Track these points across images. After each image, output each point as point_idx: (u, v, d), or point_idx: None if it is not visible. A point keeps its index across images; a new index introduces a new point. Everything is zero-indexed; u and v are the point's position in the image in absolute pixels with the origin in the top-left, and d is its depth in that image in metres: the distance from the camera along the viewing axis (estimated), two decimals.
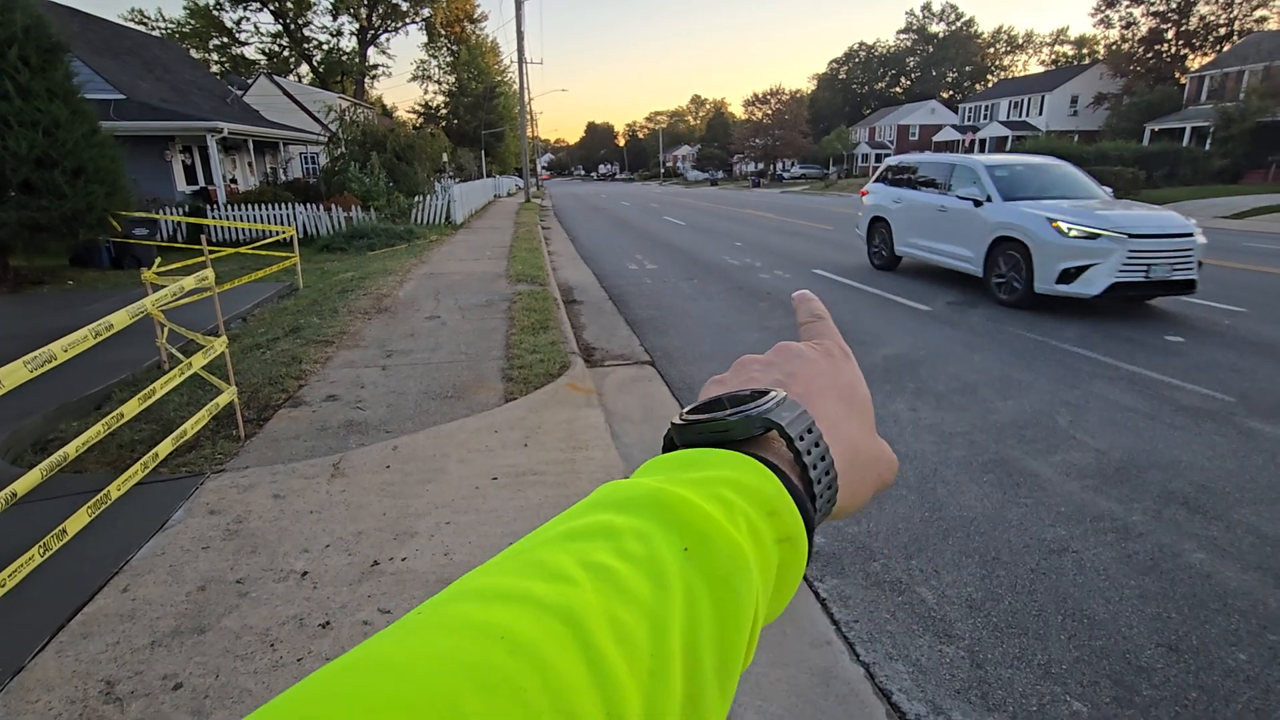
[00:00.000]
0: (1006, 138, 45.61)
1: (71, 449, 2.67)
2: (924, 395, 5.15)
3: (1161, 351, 6.16)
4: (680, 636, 0.24)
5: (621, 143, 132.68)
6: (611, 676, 0.22)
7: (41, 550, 2.49)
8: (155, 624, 2.51)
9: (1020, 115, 48.62)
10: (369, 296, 8.60)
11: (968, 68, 72.99)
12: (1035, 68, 72.23)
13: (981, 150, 48.09)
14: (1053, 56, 68.56)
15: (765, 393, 0.34)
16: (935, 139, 55.11)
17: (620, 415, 4.84)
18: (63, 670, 2.30)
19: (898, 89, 77.07)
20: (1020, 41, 74.44)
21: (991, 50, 74.20)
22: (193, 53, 35.70)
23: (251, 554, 2.94)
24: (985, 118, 52.19)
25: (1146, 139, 35.46)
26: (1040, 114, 46.74)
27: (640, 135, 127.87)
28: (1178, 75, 42.35)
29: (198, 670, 2.29)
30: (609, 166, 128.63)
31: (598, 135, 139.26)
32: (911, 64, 76.15)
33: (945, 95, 70.29)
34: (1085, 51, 61.29)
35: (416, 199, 18.19)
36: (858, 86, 79.73)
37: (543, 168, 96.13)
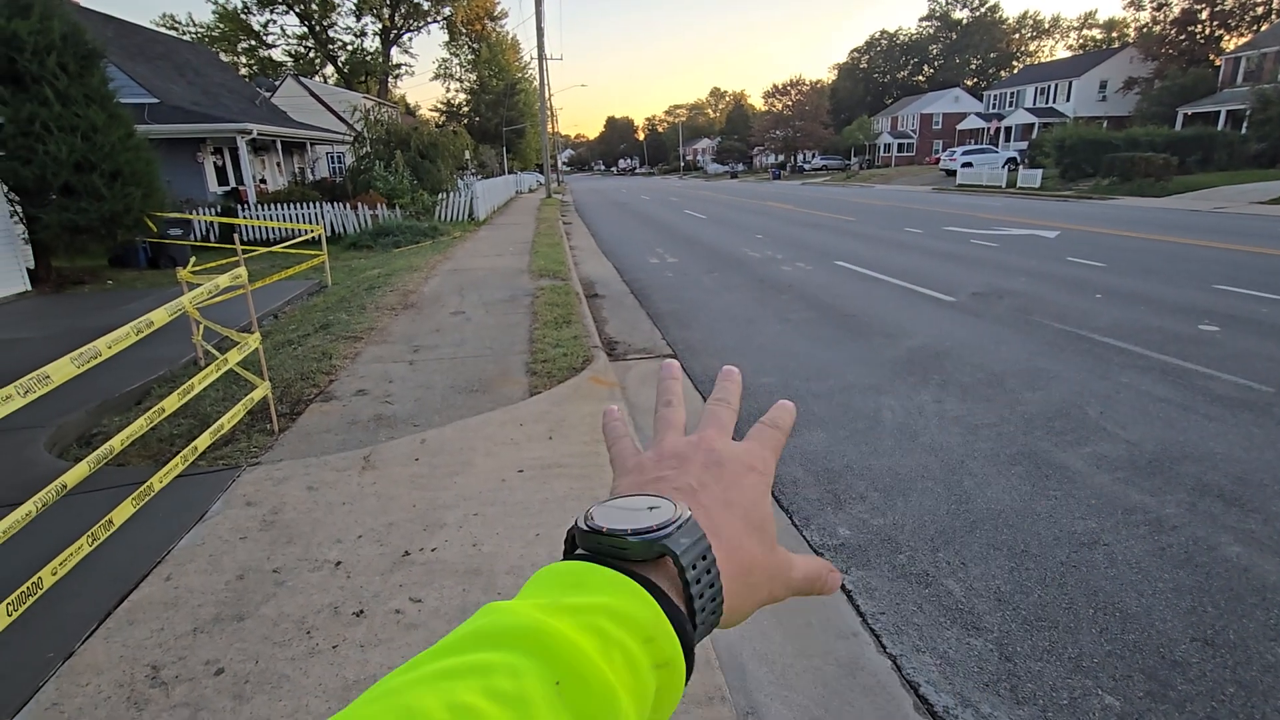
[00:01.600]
0: (1033, 125, 44.63)
1: (116, 442, 2.77)
2: (949, 387, 5.09)
3: (1195, 341, 6.01)
4: None
5: (641, 137, 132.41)
6: None
7: (90, 540, 2.59)
8: (197, 611, 2.60)
9: (1047, 102, 47.51)
10: (395, 293, 8.72)
11: (992, 54, 71.45)
12: (1062, 53, 70.53)
13: (1007, 139, 47.14)
14: (1080, 41, 66.87)
15: (670, 511, 0.35)
16: (959, 128, 54.15)
17: (643, 408, 4.86)
18: (110, 655, 2.39)
19: (920, 77, 75.77)
20: (1047, 26, 72.71)
21: (1017, 36, 72.56)
22: (222, 56, 36.36)
23: (287, 544, 3.02)
24: (1010, 105, 51.10)
25: (1179, 123, 34.44)
26: (1068, 100, 45.62)
27: (660, 129, 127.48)
28: (1212, 57, 41.03)
29: (238, 656, 2.37)
30: (629, 161, 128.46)
31: (617, 130, 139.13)
32: (934, 51, 74.74)
33: (969, 83, 68.91)
34: (1115, 35, 59.63)
35: (440, 196, 18.38)
36: (879, 75, 78.52)
37: (563, 163, 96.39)
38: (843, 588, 2.86)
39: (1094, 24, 68.11)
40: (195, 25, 44.80)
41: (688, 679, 0.32)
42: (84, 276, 10.48)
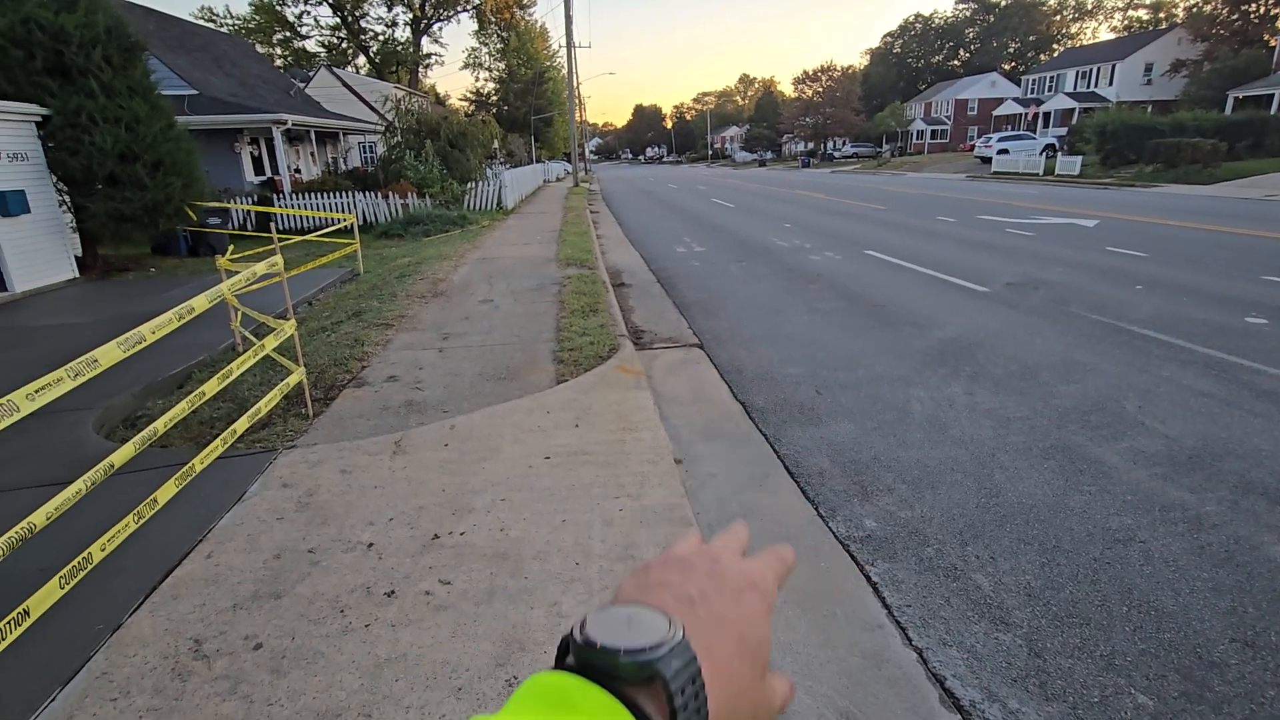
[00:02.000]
0: (1073, 110, 43.23)
1: (160, 424, 2.87)
2: (981, 379, 5.00)
3: (1242, 334, 5.81)
4: None
5: (669, 125, 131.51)
6: None
7: (136, 518, 2.69)
8: (236, 588, 2.69)
9: (1088, 86, 45.94)
10: (425, 281, 8.84)
11: (1031, 37, 69.18)
12: (1106, 35, 67.97)
13: (1045, 125, 45.77)
14: (1125, 22, 64.30)
15: (663, 630, 0.34)
16: (995, 113, 52.69)
17: (669, 397, 4.87)
18: (156, 628, 2.50)
19: (956, 62, 73.79)
20: (1089, 7, 70.11)
21: (1058, 18, 70.08)
22: (258, 47, 37.00)
23: (322, 525, 3.11)
24: (1050, 90, 49.51)
25: (1229, 107, 33.03)
26: (1110, 84, 44.05)
27: (688, 117, 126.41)
28: (1267, 37, 39.21)
29: (275, 632, 2.45)
30: (656, 149, 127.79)
31: (645, 118, 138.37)
32: (971, 35, 72.67)
33: (1007, 67, 66.90)
34: (1162, 16, 57.20)
35: (469, 185, 18.52)
36: (913, 60, 76.66)
37: (590, 152, 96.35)
38: (868, 579, 2.85)
39: (1139, 4, 65.52)
40: (232, 17, 45.72)
41: None
42: (128, 264, 10.82)
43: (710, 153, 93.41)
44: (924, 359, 5.52)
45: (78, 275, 9.82)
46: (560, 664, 0.36)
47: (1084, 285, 7.88)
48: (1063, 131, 39.40)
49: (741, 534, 0.49)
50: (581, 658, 0.34)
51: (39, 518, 2.26)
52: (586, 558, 2.86)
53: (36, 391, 2.21)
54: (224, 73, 18.38)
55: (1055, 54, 61.01)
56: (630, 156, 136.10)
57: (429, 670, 2.25)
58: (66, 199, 9.70)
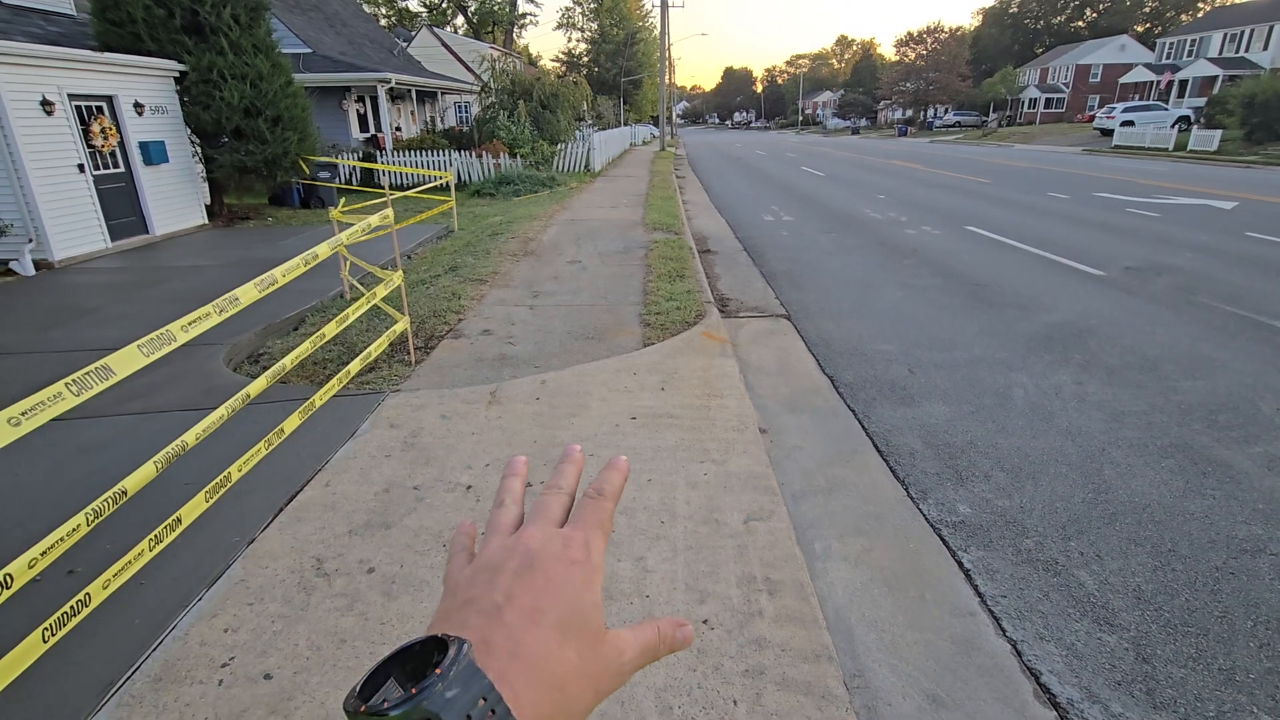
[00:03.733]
0: (1215, 78, 38.70)
1: (288, 361, 3.11)
2: (1092, 369, 4.69)
3: None
4: None
5: (759, 89, 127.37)
6: None
7: (266, 445, 2.95)
8: (351, 516, 2.92)
9: (1237, 50, 40.91)
10: (516, 240, 9.05)
11: None
12: None
13: (1180, 94, 41.33)
14: None
15: (447, 657, 0.31)
16: (1122, 81, 47.92)
17: (755, 367, 4.84)
18: (284, 545, 2.75)
19: (1080, 23, 67.29)
20: None
21: None
22: (364, 7, 38.22)
23: (425, 465, 3.31)
24: (1189, 55, 44.45)
25: None
26: (1265, 49, 39.00)
27: (779, 81, 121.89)
28: None
29: (385, 559, 2.65)
30: (745, 114, 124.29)
31: (734, 81, 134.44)
32: None
33: (1140, 29, 60.52)
34: None
35: (559, 147, 18.68)
36: (1031, 21, 70.46)
37: (677, 115, 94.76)
38: (960, 566, 2.78)
39: None
40: None
41: None
42: (249, 213, 11.63)
43: (801, 119, 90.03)
44: (1028, 343, 5.22)
45: (206, 222, 10.64)
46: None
47: (1216, 273, 7.18)
48: (1200, 103, 35.49)
49: (569, 477, 0.45)
50: None
51: (190, 437, 2.52)
52: (672, 517, 2.92)
53: (189, 324, 2.43)
54: (335, 32, 19.13)
55: (1200, 14, 54.64)
56: (717, 121, 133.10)
57: None
58: (198, 150, 10.47)
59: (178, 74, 9.79)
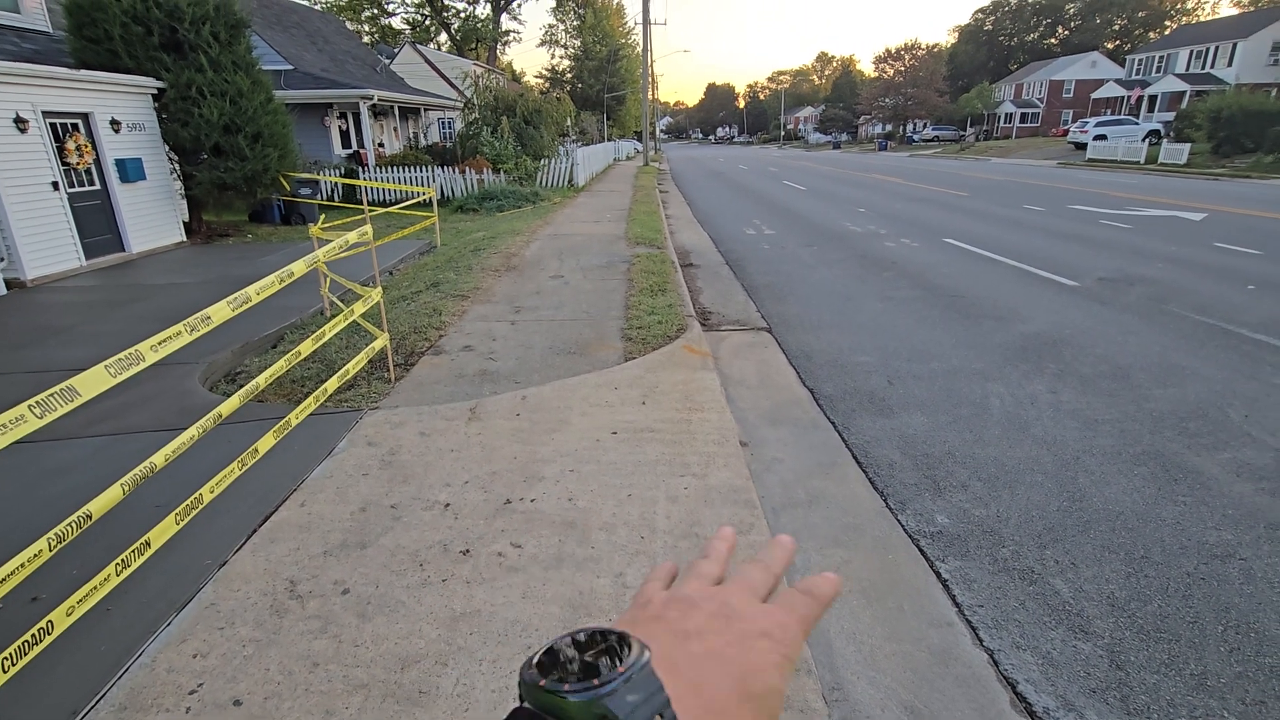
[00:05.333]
0: (1183, 93, 39.77)
1: (261, 380, 3.08)
2: (1066, 378, 4.76)
3: None
4: None
5: (741, 104, 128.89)
6: None
7: (240, 465, 2.91)
8: (327, 536, 2.88)
9: (1203, 66, 42.10)
10: (499, 255, 9.05)
11: (1140, 13, 63.76)
12: (1227, 10, 62.05)
13: (1150, 109, 42.40)
14: None
15: (629, 659, 0.31)
16: (1094, 96, 49.09)
17: (735, 380, 4.86)
18: (256, 567, 2.70)
19: (1053, 40, 68.96)
20: None
21: None
22: (347, 24, 38.30)
23: (403, 483, 3.28)
24: (1158, 71, 45.66)
25: None
26: (1230, 65, 40.20)
27: (761, 96, 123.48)
28: None
29: (361, 580, 2.61)
30: (728, 129, 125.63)
31: (717, 97, 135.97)
32: (1071, 11, 67.66)
33: (1110, 46, 62.07)
34: None
35: (542, 162, 18.75)
36: (1005, 39, 72.11)
37: (661, 131, 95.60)
38: (938, 576, 2.79)
39: None
40: None
41: None
42: (228, 230, 11.53)
43: (783, 134, 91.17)
44: (1005, 354, 5.29)
45: (184, 239, 10.53)
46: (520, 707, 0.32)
47: (1187, 283, 7.34)
48: (1169, 117, 36.42)
49: (777, 560, 0.44)
50: (532, 700, 0.31)
51: (159, 459, 2.48)
52: (651, 532, 2.91)
53: (159, 344, 2.40)
54: (317, 49, 19.15)
55: (1167, 31, 56.24)
56: (700, 136, 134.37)
57: (501, 627, 2.36)
58: (176, 167, 10.39)
59: (156, 91, 9.74)
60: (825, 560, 2.86)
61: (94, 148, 8.81)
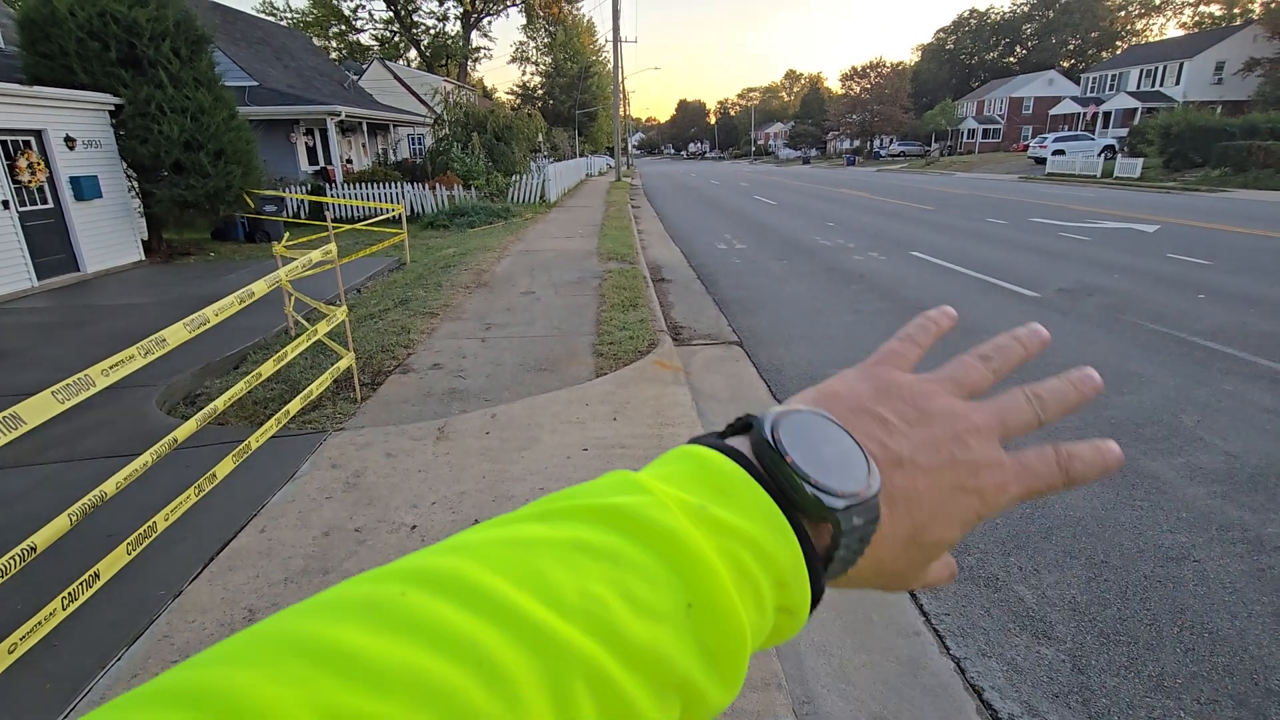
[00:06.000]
0: (1135, 110, 41.44)
1: (220, 403, 3.00)
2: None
3: None
4: (657, 701, 0.23)
5: (712, 121, 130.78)
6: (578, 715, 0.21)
7: (197, 491, 2.83)
8: (288, 562, 2.81)
9: (1153, 85, 43.97)
10: (470, 272, 9.00)
11: (1093, 34, 66.48)
12: (1174, 31, 64.96)
13: (1105, 125, 44.02)
14: (1195, 18, 61.27)
15: (861, 480, 0.30)
16: (1052, 113, 50.88)
17: (707, 394, 4.87)
18: (213, 596, 2.62)
19: (1011, 59, 71.48)
20: (1157, 3, 66.95)
21: (1122, 14, 67.18)
22: (314, 40, 38.05)
23: (368, 506, 3.21)
24: (1111, 88, 47.55)
25: None
26: (1177, 83, 42.08)
27: (732, 113, 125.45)
28: None
29: None
30: (699, 145, 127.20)
31: (689, 113, 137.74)
32: (1028, 31, 70.26)
33: (1066, 64, 64.50)
34: (1237, 11, 54.31)
35: (514, 178, 18.75)
36: (966, 57, 74.53)
37: (633, 147, 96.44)
38: None
39: None
40: (291, 11, 47.06)
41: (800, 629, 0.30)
42: (189, 248, 11.29)
43: (753, 149, 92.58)
44: None
45: (143, 258, 10.28)
46: (726, 436, 0.32)
47: (1142, 293, 7.58)
48: (1123, 133, 37.86)
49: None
50: (759, 455, 0.30)
51: (109, 486, 2.39)
52: None
53: (111, 368, 2.33)
54: (282, 65, 18.96)
55: (1119, 51, 58.59)
56: (673, 152, 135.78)
57: None
58: (135, 185, 10.16)
59: (113, 107, 9.53)
60: None
61: (47, 165, 8.58)
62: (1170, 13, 67.84)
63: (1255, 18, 43.23)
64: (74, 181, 8.90)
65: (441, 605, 0.21)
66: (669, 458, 0.30)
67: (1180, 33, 57.61)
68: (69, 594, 2.25)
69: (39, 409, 2.05)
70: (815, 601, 0.29)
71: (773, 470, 0.29)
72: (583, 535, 0.25)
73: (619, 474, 0.29)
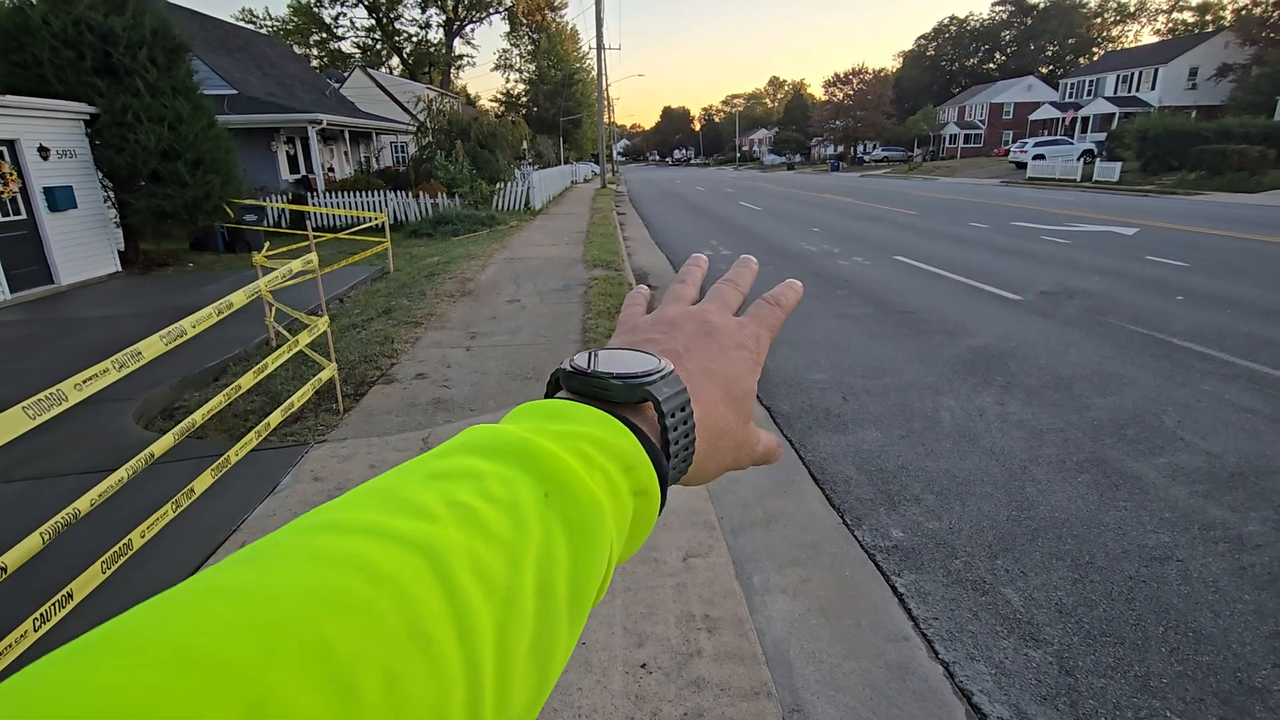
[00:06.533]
0: (1113, 115, 42.18)
1: (198, 416, 2.95)
2: (1013, 389, 4.91)
3: None
4: (535, 572, 0.26)
5: (697, 127, 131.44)
6: (467, 604, 0.23)
7: (174, 506, 2.77)
8: None
9: (1129, 90, 44.81)
10: (454, 280, 8.94)
11: (1070, 40, 67.72)
12: (1149, 38, 66.28)
13: (1083, 130, 44.76)
14: (1169, 25, 62.56)
15: (654, 363, 0.36)
16: (1032, 118, 51.65)
17: None
18: None
19: (991, 65, 72.58)
20: (1132, 10, 68.31)
21: (1099, 21, 68.46)
22: (295, 48, 37.83)
23: None
24: (1089, 94, 48.39)
25: (1278, 113, 31.96)
26: (1153, 89, 42.91)
27: (716, 119, 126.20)
28: None
29: None
30: (684, 151, 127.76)
31: (673, 120, 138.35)
32: (1007, 38, 71.40)
33: (1044, 71, 65.58)
34: (1209, 19, 55.55)
35: (498, 186, 18.69)
36: (947, 63, 75.58)
37: (618, 153, 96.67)
38: (894, 590, 2.81)
39: (1185, 7, 63.72)
40: (271, 19, 46.81)
41: (659, 512, 0.34)
42: (167, 259, 11.13)
43: (738, 155, 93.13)
44: (954, 367, 5.44)
45: (120, 269, 10.12)
46: (549, 395, 0.37)
47: (1122, 295, 7.69)
48: (1101, 137, 38.54)
49: (745, 278, 0.50)
50: (572, 386, 0.36)
51: (83, 504, 2.34)
52: None
53: (84, 382, 2.28)
54: (262, 73, 18.82)
55: (1095, 58, 59.64)
56: (658, 158, 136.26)
57: None
58: (111, 195, 10.01)
59: (88, 116, 9.40)
60: (784, 579, 2.86)
61: (20, 175, 8.43)
62: (1145, 20, 69.31)
63: (1227, 25, 44.23)
64: (48, 192, 8.75)
65: (316, 539, 0.23)
66: (510, 414, 0.34)
67: (1155, 39, 58.79)
68: (41, 615, 2.19)
69: (9, 425, 1.99)
70: (665, 483, 0.34)
71: (585, 388, 0.35)
72: (440, 465, 0.28)
73: (465, 430, 0.32)
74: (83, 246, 9.39)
